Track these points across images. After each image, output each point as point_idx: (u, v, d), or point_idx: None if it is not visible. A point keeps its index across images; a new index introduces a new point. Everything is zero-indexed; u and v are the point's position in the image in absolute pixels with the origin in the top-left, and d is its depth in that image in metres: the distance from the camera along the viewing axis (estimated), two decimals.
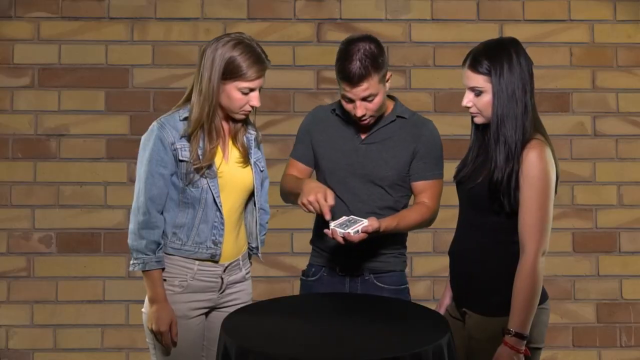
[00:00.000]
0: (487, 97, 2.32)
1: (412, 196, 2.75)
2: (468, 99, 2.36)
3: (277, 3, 4.02)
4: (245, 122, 2.59)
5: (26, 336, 3.92)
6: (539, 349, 2.36)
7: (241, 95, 2.46)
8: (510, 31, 3.91)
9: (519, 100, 2.29)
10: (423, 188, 2.67)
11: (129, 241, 2.47)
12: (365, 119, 2.60)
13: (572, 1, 4.04)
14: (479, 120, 2.38)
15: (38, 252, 3.93)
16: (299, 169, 2.80)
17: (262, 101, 3.96)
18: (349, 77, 2.51)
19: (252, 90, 2.46)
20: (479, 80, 2.32)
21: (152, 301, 2.46)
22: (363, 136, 2.68)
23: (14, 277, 3.92)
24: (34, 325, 3.92)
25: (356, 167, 2.66)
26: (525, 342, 2.24)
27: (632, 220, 4.02)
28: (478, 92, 2.33)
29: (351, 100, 2.56)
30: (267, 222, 2.75)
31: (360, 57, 2.50)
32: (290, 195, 2.74)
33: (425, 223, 2.69)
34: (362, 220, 2.49)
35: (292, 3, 4.01)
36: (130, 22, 3.98)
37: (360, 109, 2.56)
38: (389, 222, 2.54)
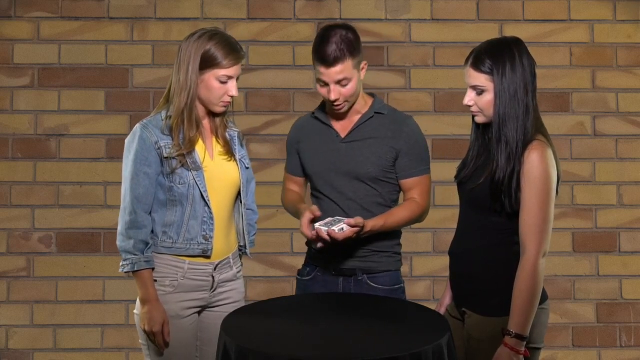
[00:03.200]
0: (488, 97, 2.32)
1: (403, 194, 2.76)
2: (469, 98, 2.36)
3: (277, 3, 4.02)
4: (224, 116, 2.62)
5: (26, 336, 3.92)
6: (539, 349, 2.36)
7: (219, 85, 2.50)
8: (510, 31, 3.90)
9: (521, 101, 2.29)
10: (411, 185, 2.69)
11: (118, 242, 2.48)
12: (340, 104, 2.64)
13: (572, 1, 4.05)
14: (480, 119, 2.38)
15: (38, 252, 3.93)
16: (294, 181, 2.86)
17: (262, 101, 4.02)
18: (324, 59, 2.56)
19: (229, 78, 2.50)
20: (481, 79, 2.32)
21: (144, 302, 2.46)
22: (343, 135, 2.71)
23: (14, 277, 3.92)
24: (34, 325, 3.93)
25: (339, 166, 2.68)
26: (525, 343, 2.24)
27: (632, 220, 4.02)
28: (480, 91, 2.33)
29: (326, 84, 2.61)
30: (255, 223, 2.76)
31: (337, 40, 2.57)
32: (294, 215, 2.82)
33: (416, 219, 2.70)
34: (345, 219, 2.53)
35: (292, 3, 4.02)
36: (130, 22, 3.98)
37: (335, 93, 2.60)
38: (375, 222, 2.58)
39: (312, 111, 2.83)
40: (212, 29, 2.55)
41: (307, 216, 2.58)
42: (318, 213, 2.59)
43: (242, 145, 2.69)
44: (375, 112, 2.71)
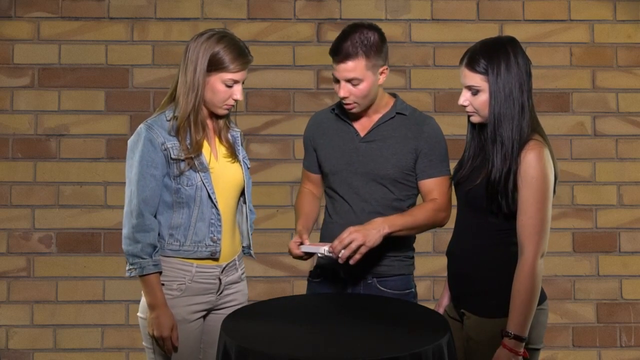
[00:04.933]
0: (483, 96, 2.32)
1: (422, 197, 2.68)
2: (465, 98, 2.36)
3: (277, 3, 4.02)
4: (227, 117, 2.61)
5: (26, 336, 3.92)
6: (538, 349, 2.36)
7: (225, 88, 2.48)
8: (510, 31, 3.90)
9: (516, 100, 2.29)
10: (431, 186, 2.62)
11: (124, 246, 2.44)
12: (349, 104, 2.59)
13: (572, 1, 4.04)
14: (475, 119, 2.38)
15: (38, 252, 3.93)
16: (310, 178, 2.82)
17: (262, 101, 4.02)
18: (335, 52, 2.53)
19: (235, 82, 2.48)
20: (476, 79, 2.32)
21: (152, 307, 2.43)
22: (362, 134, 2.66)
23: (14, 277, 3.92)
24: (34, 325, 3.93)
25: (357, 166, 2.64)
26: (524, 344, 2.24)
27: (632, 220, 4.02)
28: (475, 91, 2.33)
29: (338, 81, 2.57)
30: (253, 222, 2.74)
31: (354, 37, 2.52)
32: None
33: (437, 221, 2.60)
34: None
35: (292, 3, 4.02)
36: (130, 22, 3.98)
37: (344, 90, 2.56)
38: (394, 220, 2.50)
39: (331, 106, 2.77)
40: (221, 30, 2.52)
41: (296, 239, 2.55)
42: (306, 241, 2.54)
43: (242, 146, 2.68)
44: (397, 113, 2.65)
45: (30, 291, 3.92)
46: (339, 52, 2.52)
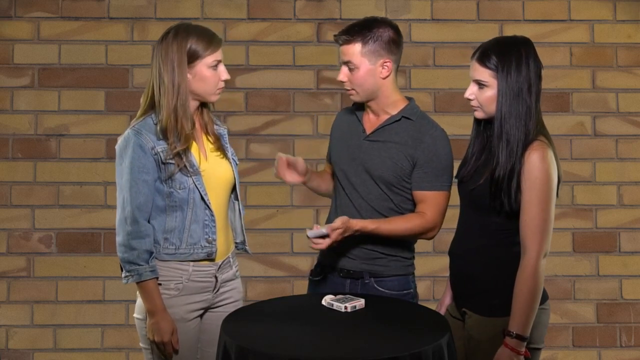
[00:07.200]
0: (489, 92, 2.32)
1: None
2: (471, 92, 2.37)
3: (277, 3, 4.02)
4: (208, 109, 2.60)
5: (26, 336, 3.92)
6: (539, 349, 2.36)
7: (213, 72, 2.48)
8: (510, 31, 3.90)
9: (524, 101, 2.29)
10: (421, 199, 2.59)
11: (119, 254, 2.42)
12: (348, 89, 2.64)
13: (572, 1, 4.05)
14: (478, 114, 2.38)
15: (38, 252, 3.93)
16: (328, 166, 2.87)
17: (262, 101, 4.02)
18: (339, 33, 2.60)
19: (219, 62, 2.49)
20: (485, 75, 2.32)
21: (152, 313, 2.42)
22: (367, 132, 2.66)
23: (14, 277, 3.92)
24: (34, 325, 3.93)
25: (358, 162, 2.65)
26: (525, 343, 2.24)
27: (632, 220, 4.02)
28: (481, 86, 2.33)
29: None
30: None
31: (359, 23, 2.60)
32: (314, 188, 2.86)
33: (418, 233, 2.60)
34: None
35: (292, 3, 4.02)
36: (130, 22, 3.98)
37: (342, 74, 2.61)
38: (365, 223, 2.54)
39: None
40: (181, 24, 2.51)
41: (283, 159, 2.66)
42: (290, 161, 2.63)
43: (228, 144, 2.66)
44: (403, 116, 2.63)
45: (30, 291, 3.92)
46: (339, 33, 2.60)
